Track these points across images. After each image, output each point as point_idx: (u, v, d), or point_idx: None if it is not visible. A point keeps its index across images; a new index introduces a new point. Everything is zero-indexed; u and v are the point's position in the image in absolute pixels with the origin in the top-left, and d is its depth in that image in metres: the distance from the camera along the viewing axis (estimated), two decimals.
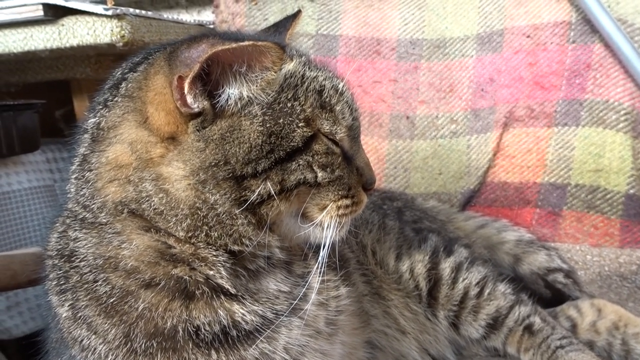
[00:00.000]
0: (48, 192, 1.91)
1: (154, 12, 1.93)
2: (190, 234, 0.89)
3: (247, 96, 0.88)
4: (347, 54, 2.20)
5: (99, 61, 1.87)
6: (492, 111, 2.07)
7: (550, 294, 1.61)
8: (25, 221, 1.83)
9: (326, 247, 0.96)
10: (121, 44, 1.66)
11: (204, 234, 0.89)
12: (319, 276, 0.99)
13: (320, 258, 0.96)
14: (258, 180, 0.87)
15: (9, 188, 1.79)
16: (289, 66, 0.93)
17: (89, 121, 0.96)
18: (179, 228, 0.88)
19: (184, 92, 0.84)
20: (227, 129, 0.87)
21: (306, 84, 0.93)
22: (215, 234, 0.89)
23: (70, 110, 2.04)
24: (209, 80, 0.86)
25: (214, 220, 0.88)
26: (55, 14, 1.69)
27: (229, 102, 0.87)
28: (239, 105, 0.88)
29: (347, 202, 0.97)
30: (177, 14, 2.56)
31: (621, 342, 1.34)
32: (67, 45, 1.70)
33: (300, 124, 0.90)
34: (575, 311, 1.45)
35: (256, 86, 0.88)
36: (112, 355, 0.86)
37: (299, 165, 0.90)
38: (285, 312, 0.94)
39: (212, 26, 2.34)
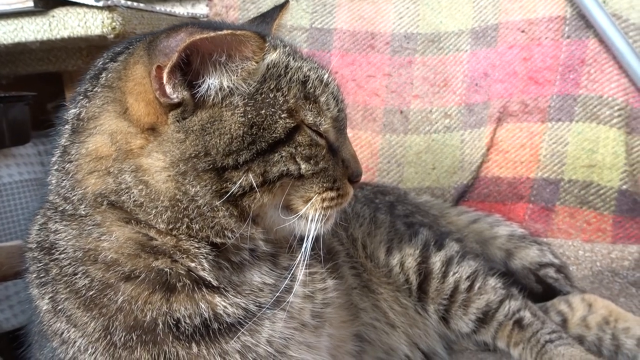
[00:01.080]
0: (39, 185, 1.90)
1: (147, 4, 1.91)
2: (171, 226, 0.88)
3: (228, 86, 0.87)
4: (341, 48, 2.19)
5: (90, 53, 1.85)
6: (486, 106, 2.07)
7: (541, 288, 1.61)
8: (15, 214, 1.82)
9: (310, 239, 0.95)
10: (112, 35, 1.65)
11: (185, 226, 0.88)
12: (302, 268, 0.98)
13: (303, 250, 0.95)
14: (239, 172, 0.86)
15: (0, 181, 1.78)
16: (272, 56, 0.92)
17: (70, 112, 0.96)
18: (159, 220, 0.87)
19: (162, 82, 0.83)
20: (208, 119, 0.86)
21: (290, 74, 0.92)
22: (197, 226, 0.88)
23: (62, 103, 2.02)
24: (189, 70, 0.85)
25: (195, 212, 0.87)
26: (45, 5, 1.68)
27: (209, 93, 0.86)
28: (219, 95, 0.87)
29: (332, 194, 0.96)
30: (171, 6, 2.54)
31: (611, 337, 1.34)
32: (58, 36, 1.68)
33: (282, 115, 0.89)
34: (566, 306, 1.45)
35: (237, 76, 0.87)
36: (91, 348, 0.85)
37: (281, 157, 0.89)
38: (269, 305, 0.93)
39: (205, 19, 2.32)
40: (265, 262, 0.98)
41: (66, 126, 0.95)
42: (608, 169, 1.94)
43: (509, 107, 2.04)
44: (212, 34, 0.80)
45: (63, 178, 0.93)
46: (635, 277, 1.72)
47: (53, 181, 0.95)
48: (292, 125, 0.90)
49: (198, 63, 0.85)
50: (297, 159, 0.90)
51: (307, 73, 0.94)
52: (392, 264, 1.36)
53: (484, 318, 1.32)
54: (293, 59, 0.95)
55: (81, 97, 0.94)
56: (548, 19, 2.02)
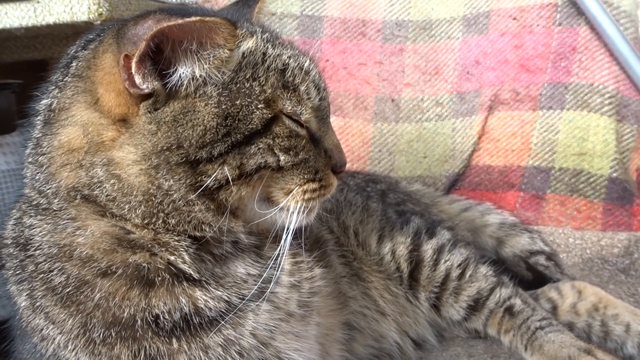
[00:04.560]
0: (20, 177, 1.87)
1: None
2: (146, 221, 0.86)
3: (200, 76, 0.84)
4: (332, 36, 2.17)
5: (77, 40, 1.82)
6: (478, 94, 2.06)
7: (532, 276, 1.62)
8: (2, 204, 1.80)
9: (290, 231, 0.93)
10: (99, 22, 1.61)
11: (161, 221, 0.86)
12: (286, 257, 0.96)
13: (282, 242, 0.93)
14: (214, 164, 0.83)
15: None
16: (249, 44, 0.88)
17: (42, 102, 0.93)
18: (133, 215, 0.85)
19: (131, 72, 0.80)
20: (180, 110, 0.83)
21: (268, 62, 0.89)
22: (173, 221, 0.86)
23: (46, 88, 2.00)
24: (160, 59, 0.82)
25: (170, 206, 0.85)
26: None
27: (181, 82, 0.83)
28: (192, 85, 0.84)
29: (314, 185, 0.94)
30: None
31: (600, 324, 1.35)
32: (43, 23, 1.65)
33: (259, 106, 0.86)
34: (556, 293, 1.46)
35: (209, 65, 0.84)
36: (71, 345, 0.84)
37: (258, 148, 0.86)
38: (253, 297, 0.92)
39: (195, 6, 2.29)
40: (249, 254, 0.96)
41: (38, 117, 0.92)
42: (598, 156, 1.95)
43: (501, 95, 2.04)
44: (179, 21, 0.77)
45: (37, 171, 0.90)
46: (624, 264, 1.73)
47: (28, 174, 0.93)
48: (270, 115, 0.87)
49: (169, 52, 0.82)
50: (275, 151, 0.88)
51: (287, 61, 0.91)
52: (384, 252, 1.36)
53: (475, 306, 1.33)
54: (272, 45, 0.92)
55: (52, 87, 0.91)
56: (540, 6, 2.02)
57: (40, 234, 0.88)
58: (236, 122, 0.84)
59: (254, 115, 0.85)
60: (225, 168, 0.83)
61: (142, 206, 0.85)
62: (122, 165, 0.84)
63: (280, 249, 0.94)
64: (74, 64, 0.90)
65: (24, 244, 0.90)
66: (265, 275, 0.95)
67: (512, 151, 2.04)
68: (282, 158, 0.88)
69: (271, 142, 0.87)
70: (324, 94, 0.97)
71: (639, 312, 1.35)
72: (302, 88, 0.91)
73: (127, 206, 0.85)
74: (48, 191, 0.89)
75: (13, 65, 2.06)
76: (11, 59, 1.97)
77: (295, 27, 2.19)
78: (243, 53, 0.87)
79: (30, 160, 0.93)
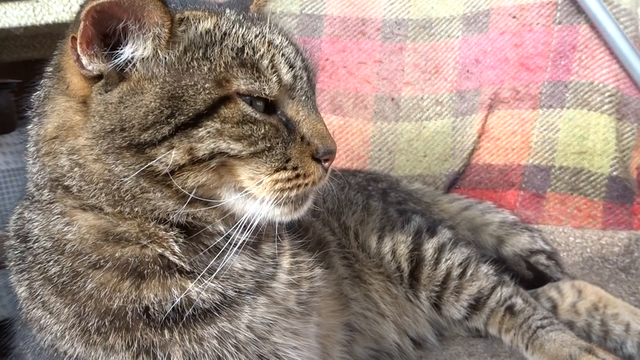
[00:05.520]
0: (26, 174, 1.87)
1: None
2: (117, 209, 0.85)
3: (147, 56, 0.82)
4: (332, 34, 2.16)
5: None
6: (478, 93, 2.06)
7: (532, 275, 1.62)
8: (3, 204, 1.80)
9: (256, 222, 0.88)
10: None
11: (129, 208, 0.85)
12: (277, 253, 0.96)
13: (245, 233, 0.89)
14: (160, 148, 0.81)
15: None
16: (205, 24, 0.85)
17: (35, 95, 0.95)
18: (105, 205, 0.85)
19: (79, 54, 0.81)
20: (128, 92, 0.82)
21: (226, 41, 0.84)
22: (138, 209, 0.85)
23: (39, 81, 2.00)
24: (111, 42, 0.81)
25: (128, 193, 0.84)
26: None
27: (132, 64, 0.82)
28: (140, 67, 0.82)
29: (286, 174, 0.87)
30: None
31: (600, 323, 1.35)
32: (42, 22, 1.66)
33: (206, 85, 0.81)
34: (556, 292, 1.46)
35: (153, 44, 0.82)
36: (67, 334, 0.85)
37: (207, 132, 0.81)
38: (249, 291, 0.91)
39: None
40: (245, 249, 0.94)
41: (32, 110, 0.95)
42: (599, 155, 1.94)
43: (500, 93, 2.03)
44: None
45: (32, 163, 0.92)
46: (624, 263, 1.73)
47: (28, 169, 0.95)
48: (217, 96, 0.82)
49: (118, 33, 0.81)
50: (226, 138, 0.82)
51: (250, 38, 0.86)
52: (384, 251, 1.36)
53: (476, 305, 1.33)
54: (240, 26, 0.87)
55: (43, 79, 0.94)
56: (539, 5, 2.01)
57: (38, 227, 0.90)
58: (180, 102, 0.81)
59: (199, 96, 0.81)
60: (173, 152, 0.80)
61: (104, 194, 0.84)
62: (82, 151, 0.84)
63: (275, 243, 0.94)
64: (55, 53, 0.93)
65: (24, 236, 0.92)
66: (263, 272, 0.95)
67: (512, 150, 2.04)
68: (233, 147, 0.83)
69: (219, 127, 0.82)
70: (300, 72, 0.90)
71: (638, 312, 1.35)
72: (264, 62, 0.85)
73: (93, 194, 0.85)
74: (39, 182, 0.90)
75: (12, 64, 2.05)
76: (10, 59, 1.97)
77: (295, 25, 2.18)
78: (200, 33, 0.84)
79: (26, 152, 0.94)
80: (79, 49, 0.80)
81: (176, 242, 0.87)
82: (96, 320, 0.84)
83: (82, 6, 0.79)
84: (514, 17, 2.03)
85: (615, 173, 1.92)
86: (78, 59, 0.82)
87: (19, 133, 1.90)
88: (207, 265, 0.88)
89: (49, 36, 1.84)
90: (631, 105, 1.93)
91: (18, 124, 1.85)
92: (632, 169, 1.94)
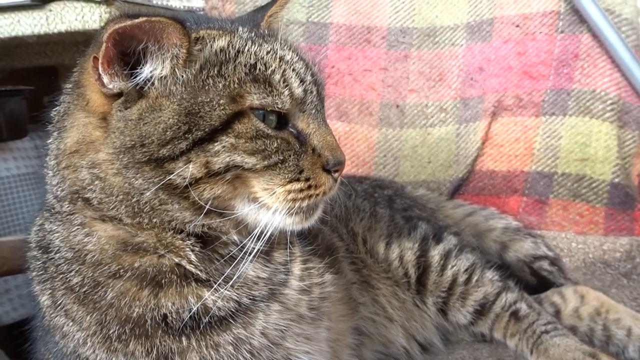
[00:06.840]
0: (37, 179, 1.90)
1: None
2: (135, 220, 0.89)
3: (165, 75, 0.85)
4: (338, 42, 2.19)
5: (87, 47, 1.84)
6: (481, 100, 2.09)
7: (535, 281, 1.64)
8: (14, 208, 1.82)
9: (270, 232, 0.91)
10: None
11: (147, 220, 0.88)
12: (290, 261, 0.98)
13: (258, 241, 0.92)
14: (178, 162, 0.84)
15: None
16: (220, 42, 0.89)
17: (55, 110, 0.98)
18: (124, 216, 0.88)
19: (99, 73, 0.84)
20: (147, 109, 0.85)
21: (239, 58, 0.88)
22: (157, 220, 0.88)
23: (59, 97, 2.02)
24: (131, 61, 0.85)
25: (147, 205, 0.87)
26: None
27: (151, 82, 0.86)
28: (161, 85, 0.86)
29: (299, 185, 0.90)
30: (167, 0, 2.53)
31: (602, 328, 1.37)
32: (55, 30, 1.67)
33: (221, 101, 0.85)
34: (559, 297, 1.48)
35: (171, 64, 0.85)
36: (90, 341, 0.88)
37: (223, 146, 0.84)
38: (263, 298, 0.94)
39: (202, 12, 2.31)
40: (258, 258, 0.96)
41: (52, 124, 0.98)
42: (600, 162, 1.97)
43: (504, 101, 2.06)
44: (128, 22, 0.79)
45: (52, 176, 0.95)
46: (626, 269, 1.76)
47: (48, 181, 0.98)
48: (231, 111, 0.85)
49: (135, 53, 0.85)
50: (240, 152, 0.85)
51: (262, 55, 0.90)
52: (392, 257, 1.38)
53: (482, 310, 1.35)
54: (252, 43, 0.91)
55: (63, 94, 0.97)
56: (542, 14, 2.04)
57: (59, 239, 0.93)
58: (197, 118, 0.84)
59: (214, 112, 0.84)
60: (190, 166, 0.84)
61: (123, 206, 0.88)
62: (102, 165, 0.87)
63: (288, 251, 0.97)
64: (75, 70, 0.96)
65: (45, 247, 0.95)
66: (275, 279, 0.97)
67: (515, 156, 2.06)
68: (247, 160, 0.86)
69: (233, 142, 0.85)
70: (309, 87, 0.93)
71: None
72: (276, 77, 0.88)
73: (113, 206, 0.88)
74: (60, 194, 0.93)
75: (24, 71, 2.08)
76: (22, 65, 2.00)
77: (302, 33, 2.21)
78: (215, 51, 0.88)
79: (46, 165, 0.98)
80: (100, 68, 0.84)
81: (192, 251, 0.90)
82: (117, 328, 0.87)
83: (103, 28, 0.84)
84: (517, 26, 2.06)
85: (616, 180, 1.95)
86: (99, 78, 0.85)
87: (31, 139, 1.93)
88: (222, 274, 0.90)
89: (60, 44, 1.87)
90: (632, 113, 1.96)
91: (30, 130, 1.87)
92: (633, 175, 1.96)
